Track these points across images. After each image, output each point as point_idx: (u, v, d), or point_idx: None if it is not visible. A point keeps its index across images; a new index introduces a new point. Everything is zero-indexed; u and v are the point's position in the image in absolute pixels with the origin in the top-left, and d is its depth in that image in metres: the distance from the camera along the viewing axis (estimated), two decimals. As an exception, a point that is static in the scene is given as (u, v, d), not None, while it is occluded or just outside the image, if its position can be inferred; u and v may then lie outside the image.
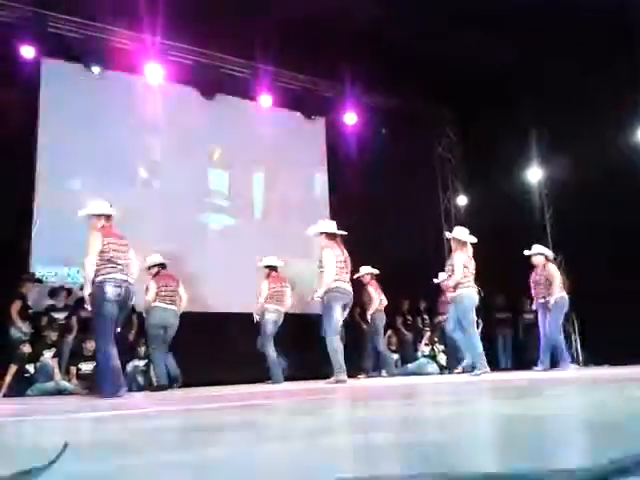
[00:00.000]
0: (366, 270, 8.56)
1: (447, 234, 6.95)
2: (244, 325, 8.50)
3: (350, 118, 10.67)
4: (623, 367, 6.47)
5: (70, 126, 8.42)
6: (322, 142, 10.94)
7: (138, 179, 9.34)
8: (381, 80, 9.54)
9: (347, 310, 6.25)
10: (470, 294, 6.41)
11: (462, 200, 11.92)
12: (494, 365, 9.71)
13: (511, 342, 10.16)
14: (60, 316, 7.58)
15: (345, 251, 6.20)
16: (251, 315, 7.57)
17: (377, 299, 8.49)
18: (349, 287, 6.12)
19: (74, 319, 7.67)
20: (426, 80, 9.37)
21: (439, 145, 12.14)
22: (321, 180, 10.88)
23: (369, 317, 8.54)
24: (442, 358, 9.32)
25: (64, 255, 8.01)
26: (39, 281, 7.86)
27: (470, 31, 8.06)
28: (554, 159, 9.61)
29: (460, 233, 6.69)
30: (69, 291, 7.75)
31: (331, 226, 6.32)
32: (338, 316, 5.97)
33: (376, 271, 8.67)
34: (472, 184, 11.55)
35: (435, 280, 8.19)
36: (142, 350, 7.58)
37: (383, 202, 9.87)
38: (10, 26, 8.00)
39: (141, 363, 7.57)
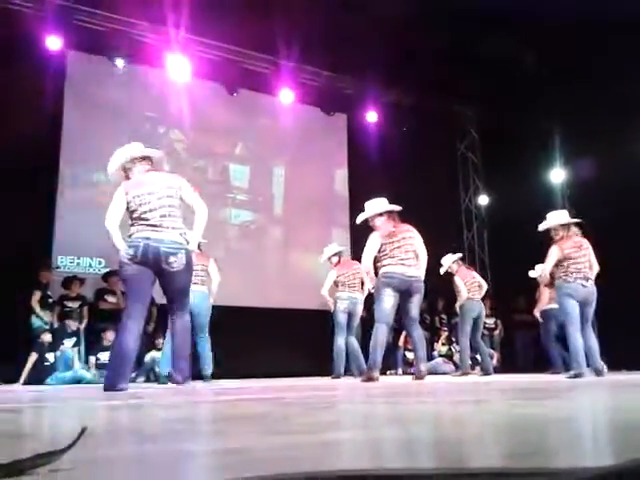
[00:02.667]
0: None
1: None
2: (263, 319, 8.56)
3: (372, 116, 10.65)
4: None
5: (95, 118, 8.53)
6: (343, 139, 10.93)
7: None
8: (403, 78, 9.51)
9: (415, 297, 5.57)
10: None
11: (483, 200, 11.83)
12: (514, 366, 9.64)
13: (531, 344, 10.06)
14: (73, 305, 7.67)
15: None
16: (267, 310, 7.54)
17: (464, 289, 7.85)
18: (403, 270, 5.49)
19: (85, 309, 7.76)
20: (449, 78, 9.31)
21: (461, 144, 12.06)
22: (342, 176, 10.88)
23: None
24: (459, 358, 9.25)
25: (86, 245, 8.13)
26: (56, 269, 7.95)
27: (494, 30, 7.99)
28: (577, 160, 9.49)
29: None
30: (82, 281, 7.83)
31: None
32: (386, 304, 5.44)
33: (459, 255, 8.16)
34: (494, 184, 11.46)
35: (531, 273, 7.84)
36: (161, 342, 7.64)
37: (403, 200, 9.77)
38: (37, 18, 8.11)
39: (159, 354, 7.63)
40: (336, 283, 7.33)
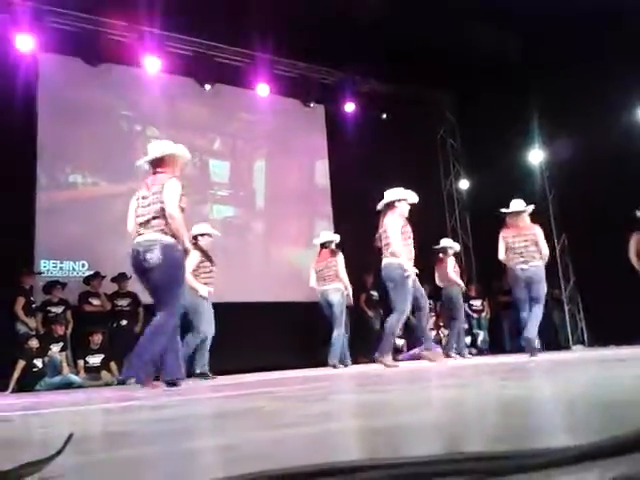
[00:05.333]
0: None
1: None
2: (248, 314, 8.55)
3: (349, 106, 10.64)
4: (630, 347, 6.47)
5: (70, 120, 8.42)
6: (322, 130, 10.90)
7: (139, 171, 9.32)
8: (380, 66, 9.49)
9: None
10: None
11: (464, 184, 11.90)
12: (500, 348, 9.76)
13: (516, 325, 10.18)
14: (57, 310, 7.60)
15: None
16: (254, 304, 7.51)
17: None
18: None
19: (69, 313, 7.70)
20: (425, 65, 9.33)
21: (440, 129, 12.10)
22: (322, 168, 10.86)
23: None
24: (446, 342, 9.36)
25: (68, 249, 8.05)
26: (39, 275, 7.85)
27: (467, 15, 8.01)
28: (555, 141, 9.57)
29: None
30: (63, 285, 7.75)
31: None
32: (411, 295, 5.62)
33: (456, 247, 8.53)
34: (474, 168, 11.52)
35: None
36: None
37: (385, 188, 9.83)
38: (8, 19, 7.98)
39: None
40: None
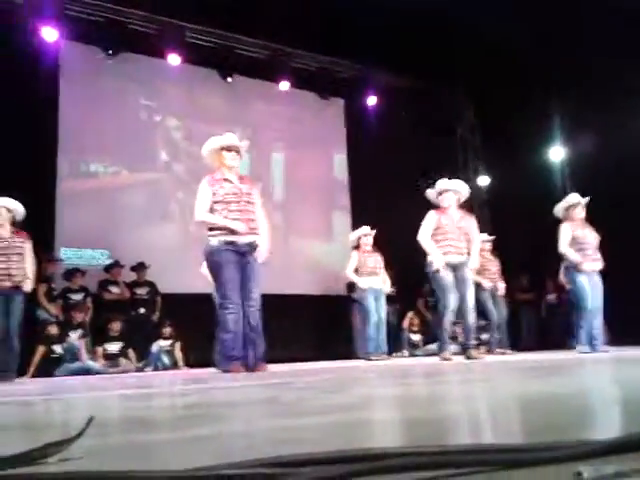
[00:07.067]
0: None
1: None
2: (266, 306, 8.57)
3: (370, 100, 10.62)
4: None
5: (91, 109, 8.50)
6: (341, 123, 10.88)
7: (159, 162, 9.40)
8: (400, 62, 9.42)
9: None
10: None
11: (484, 181, 11.80)
12: (518, 346, 9.68)
13: (535, 323, 10.10)
14: (77, 297, 7.69)
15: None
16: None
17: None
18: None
19: (89, 300, 7.79)
20: (446, 61, 9.24)
21: (460, 125, 11.99)
22: (341, 161, 10.84)
23: None
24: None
25: (88, 237, 8.14)
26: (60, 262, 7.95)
27: (490, 11, 7.91)
28: (576, 138, 9.44)
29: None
30: (83, 272, 7.84)
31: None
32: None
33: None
34: (494, 165, 11.41)
35: None
36: (167, 330, 7.70)
37: (403, 183, 9.80)
38: (29, 8, 8.04)
39: (166, 343, 7.70)
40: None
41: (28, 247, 5.96)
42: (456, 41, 8.58)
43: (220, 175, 4.72)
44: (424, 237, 5.64)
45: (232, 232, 4.50)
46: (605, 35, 7.65)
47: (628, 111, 7.91)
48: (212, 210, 4.59)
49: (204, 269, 6.11)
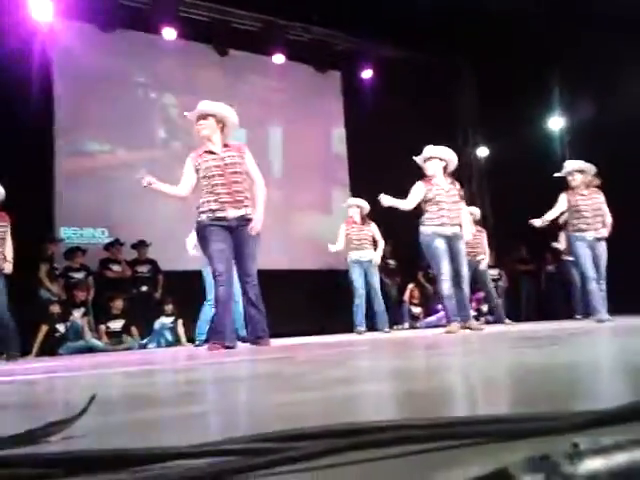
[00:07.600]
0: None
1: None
2: (264, 282, 8.59)
3: (367, 72, 10.50)
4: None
5: (87, 87, 8.42)
6: (339, 96, 10.78)
7: (157, 139, 9.34)
8: (398, 33, 9.29)
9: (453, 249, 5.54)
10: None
11: (483, 152, 11.74)
12: (518, 317, 9.73)
13: (535, 294, 10.14)
14: (78, 276, 7.71)
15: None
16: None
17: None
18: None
19: (90, 279, 7.81)
20: (443, 31, 9.12)
21: (459, 97, 11.88)
22: (339, 135, 10.77)
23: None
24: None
25: (88, 216, 8.13)
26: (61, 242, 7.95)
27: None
28: (575, 107, 9.36)
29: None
30: (84, 251, 7.85)
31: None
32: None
33: None
34: (493, 135, 11.33)
35: None
36: (169, 308, 7.74)
37: (402, 156, 9.73)
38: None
39: (168, 320, 7.74)
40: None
41: (8, 230, 5.89)
42: (454, 12, 8.46)
43: (204, 149, 4.56)
44: (405, 203, 5.56)
45: (219, 208, 4.38)
46: (602, 4, 7.54)
47: (629, 80, 7.82)
48: (199, 186, 4.49)
49: (191, 250, 6.11)
